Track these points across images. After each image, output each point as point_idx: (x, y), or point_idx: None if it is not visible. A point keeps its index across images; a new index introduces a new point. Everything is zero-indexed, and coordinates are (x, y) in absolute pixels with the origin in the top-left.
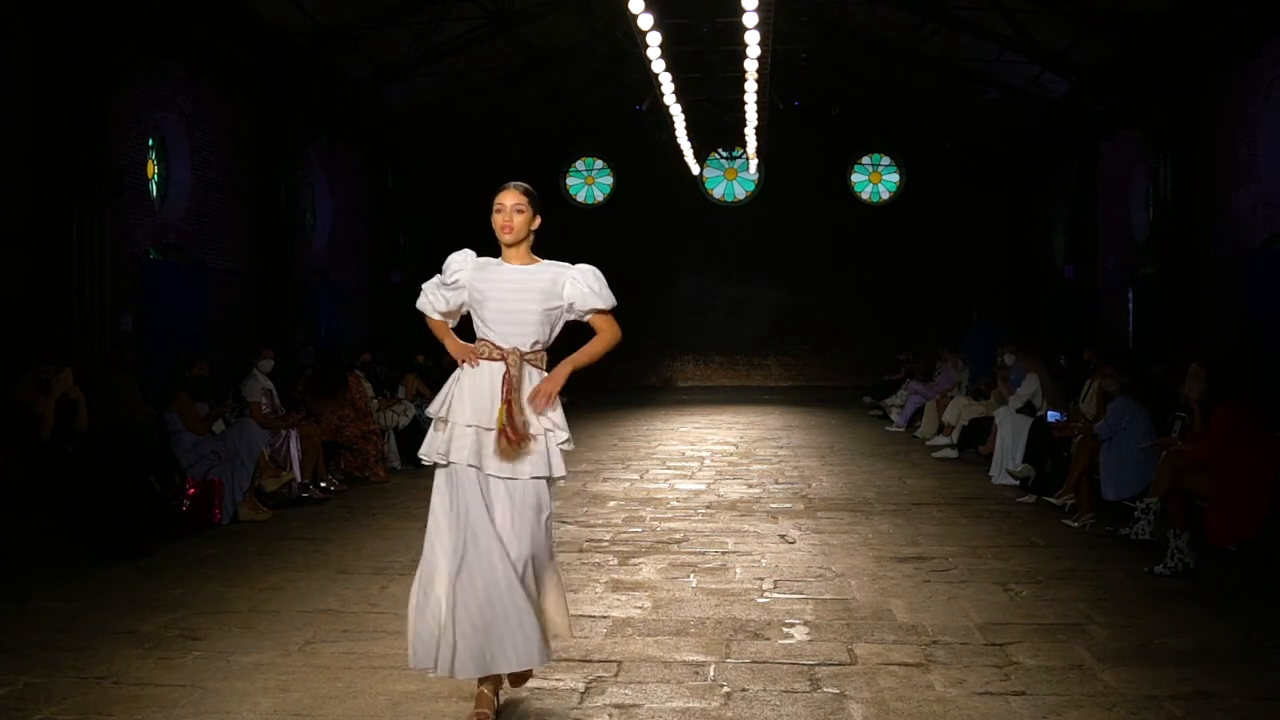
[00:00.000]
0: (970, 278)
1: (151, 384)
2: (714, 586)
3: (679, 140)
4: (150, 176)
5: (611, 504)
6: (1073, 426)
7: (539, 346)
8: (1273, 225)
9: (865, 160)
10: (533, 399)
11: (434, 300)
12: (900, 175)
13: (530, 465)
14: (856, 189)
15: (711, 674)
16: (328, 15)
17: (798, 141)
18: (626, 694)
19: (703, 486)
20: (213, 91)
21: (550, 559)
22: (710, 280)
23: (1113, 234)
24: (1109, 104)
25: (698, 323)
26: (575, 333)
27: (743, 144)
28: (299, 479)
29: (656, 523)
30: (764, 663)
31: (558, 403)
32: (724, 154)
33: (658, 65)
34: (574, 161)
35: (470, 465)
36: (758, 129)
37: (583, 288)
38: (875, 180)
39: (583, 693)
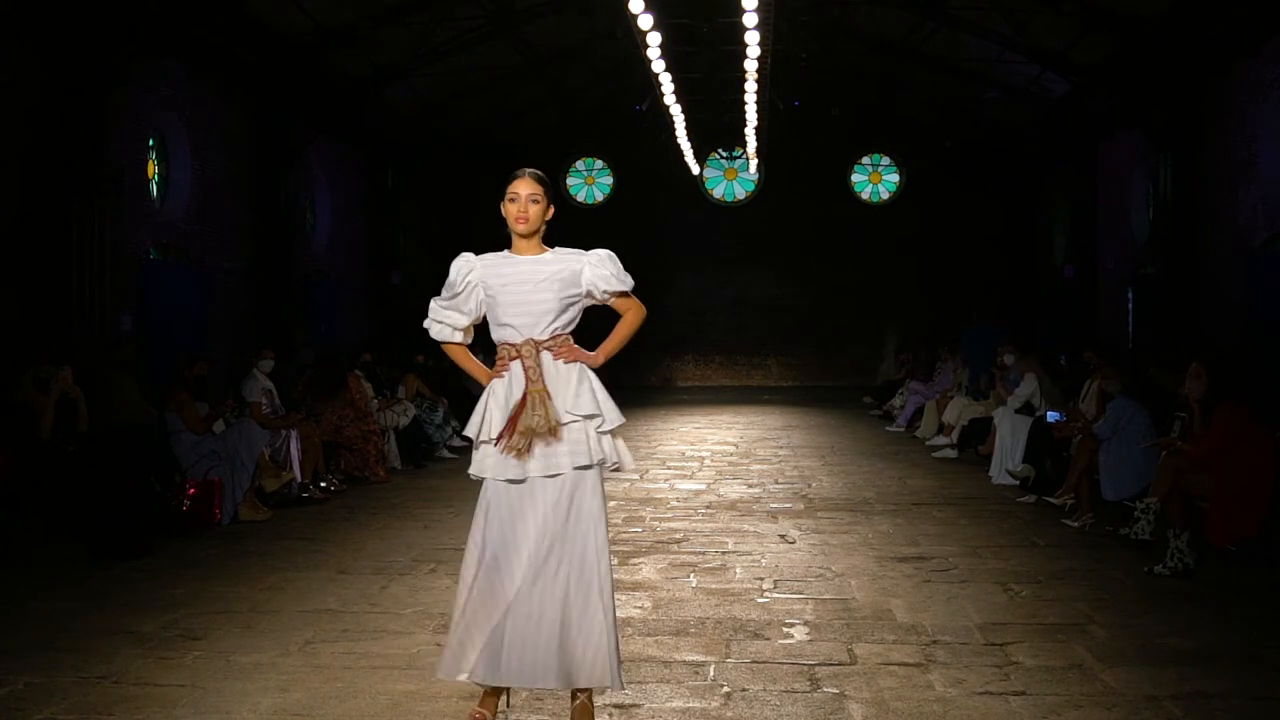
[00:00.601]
0: (970, 277)
1: (151, 384)
2: (714, 586)
3: (679, 140)
4: (150, 177)
5: (611, 504)
6: (1072, 426)
7: (558, 333)
8: (1273, 225)
9: (865, 160)
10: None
11: (451, 319)
12: (900, 175)
13: (570, 456)
14: (856, 189)
15: (711, 674)
16: (328, 15)
17: (798, 141)
18: (626, 694)
19: (703, 486)
20: (213, 92)
21: (599, 569)
22: (710, 280)
23: (1113, 234)
24: (1109, 104)
25: (698, 323)
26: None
27: (743, 144)
28: (299, 479)
29: (656, 523)
30: (764, 663)
31: (593, 383)
32: (724, 154)
33: (658, 65)
34: (574, 161)
35: (511, 480)
36: (758, 129)
37: (602, 272)
38: (875, 180)
39: None
